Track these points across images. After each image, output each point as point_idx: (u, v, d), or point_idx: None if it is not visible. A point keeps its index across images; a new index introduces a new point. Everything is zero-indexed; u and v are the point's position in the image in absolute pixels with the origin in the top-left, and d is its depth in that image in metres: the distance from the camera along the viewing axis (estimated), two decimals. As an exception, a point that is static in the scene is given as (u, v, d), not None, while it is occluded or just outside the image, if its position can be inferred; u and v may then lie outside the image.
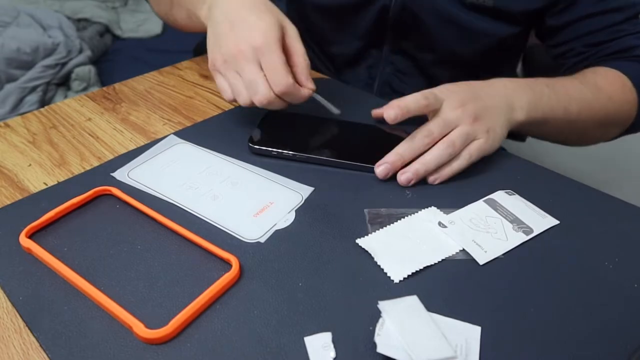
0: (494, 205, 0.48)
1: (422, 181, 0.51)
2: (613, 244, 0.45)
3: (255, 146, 0.53)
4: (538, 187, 0.51)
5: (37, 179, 0.51)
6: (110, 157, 0.54)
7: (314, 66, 0.82)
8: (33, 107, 1.55)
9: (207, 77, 0.71)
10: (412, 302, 0.37)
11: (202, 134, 0.57)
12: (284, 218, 0.46)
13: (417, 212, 0.47)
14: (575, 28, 0.68)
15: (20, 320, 0.37)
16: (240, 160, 0.53)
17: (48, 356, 0.35)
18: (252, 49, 0.49)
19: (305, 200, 0.48)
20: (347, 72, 0.82)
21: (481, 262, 0.42)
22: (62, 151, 0.55)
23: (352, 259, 0.42)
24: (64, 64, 1.67)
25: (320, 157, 0.53)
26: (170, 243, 0.43)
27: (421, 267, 0.41)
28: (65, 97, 1.67)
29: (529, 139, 0.82)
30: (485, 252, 0.43)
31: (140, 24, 2.07)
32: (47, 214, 0.45)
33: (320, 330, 0.36)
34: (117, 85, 0.68)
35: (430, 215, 0.47)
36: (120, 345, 0.35)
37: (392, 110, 0.49)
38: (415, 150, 0.50)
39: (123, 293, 0.39)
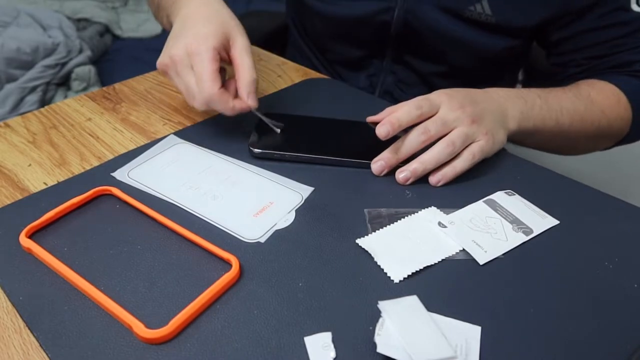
0: (493, 205, 0.48)
1: (422, 181, 0.51)
2: (613, 244, 0.45)
3: (256, 150, 0.53)
4: (538, 187, 0.51)
5: (37, 179, 0.51)
6: (110, 157, 0.54)
7: (314, 68, 0.82)
8: (33, 107, 1.55)
9: (207, 77, 0.71)
10: (412, 302, 0.37)
11: (202, 134, 0.57)
12: (284, 218, 0.46)
13: (417, 212, 0.47)
14: (577, 40, 0.68)
15: (20, 320, 0.37)
16: (240, 160, 0.53)
17: (48, 356, 0.35)
18: (187, 55, 0.50)
19: (305, 200, 0.48)
20: (348, 78, 0.82)
21: (481, 262, 0.42)
22: (62, 151, 0.55)
23: (352, 259, 0.42)
24: (64, 64, 1.67)
25: (323, 156, 0.53)
26: (170, 243, 0.43)
27: (421, 267, 0.41)
28: (65, 97, 1.67)
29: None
30: (485, 252, 0.43)
31: (140, 24, 2.07)
32: (47, 214, 0.45)
33: (320, 330, 0.36)
34: (117, 85, 0.68)
35: (430, 215, 0.47)
36: (120, 345, 0.35)
37: (383, 128, 0.49)
38: (411, 147, 0.50)
39: (123, 293, 0.39)
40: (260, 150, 0.53)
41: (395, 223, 0.45)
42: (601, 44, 0.67)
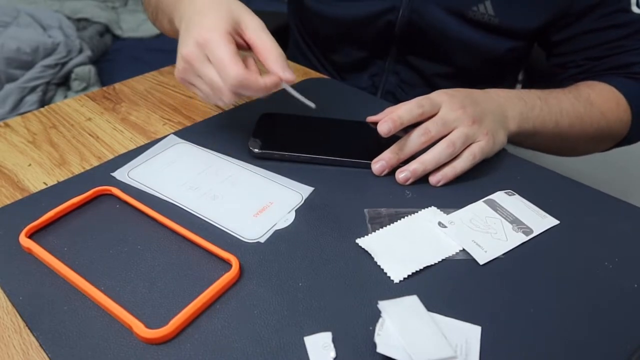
0: (493, 205, 0.48)
1: (422, 181, 0.51)
2: (613, 244, 0.45)
3: (256, 150, 0.53)
4: (538, 187, 0.51)
5: (37, 179, 0.51)
6: (110, 157, 0.54)
7: (314, 68, 0.82)
8: (33, 107, 1.55)
9: (207, 77, 0.71)
10: (412, 302, 0.37)
11: (202, 134, 0.57)
12: (284, 218, 0.46)
13: (417, 212, 0.47)
14: (577, 42, 0.68)
15: (20, 320, 0.37)
16: (240, 160, 0.53)
17: (48, 356, 0.35)
18: (199, 48, 0.46)
19: (305, 200, 0.48)
20: (350, 78, 0.82)
21: (481, 262, 0.42)
22: (62, 151, 0.55)
23: (352, 259, 0.42)
24: (64, 64, 1.67)
25: (322, 156, 0.53)
26: (171, 243, 0.43)
27: (421, 267, 0.41)
28: (65, 97, 1.67)
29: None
30: (486, 252, 0.43)
31: (140, 24, 2.07)
32: (47, 214, 0.45)
33: (320, 330, 0.36)
34: (117, 85, 0.68)
35: (430, 215, 0.47)
36: (120, 345, 0.35)
37: (385, 124, 0.49)
38: (412, 148, 0.50)
39: (123, 293, 0.39)
40: (260, 150, 0.53)
41: (395, 223, 0.45)
42: (601, 45, 0.67)
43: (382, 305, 0.37)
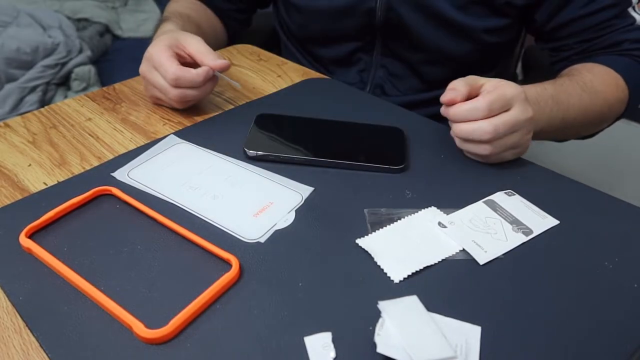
0: (493, 206, 0.48)
1: (422, 181, 0.51)
2: (613, 244, 0.45)
3: (251, 151, 0.53)
4: (538, 187, 0.51)
5: (37, 179, 0.51)
6: (110, 157, 0.54)
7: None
8: (33, 107, 1.54)
9: (207, 77, 0.71)
10: (412, 302, 0.37)
11: (202, 134, 0.57)
12: (284, 218, 0.46)
13: (417, 212, 0.47)
14: (570, 27, 0.70)
15: (20, 320, 0.37)
16: (240, 160, 0.53)
17: (48, 356, 0.35)
18: (147, 61, 0.60)
19: (305, 200, 0.48)
20: (338, 75, 0.82)
21: (481, 262, 0.42)
22: (62, 151, 0.55)
23: (352, 259, 0.42)
24: (64, 64, 1.67)
25: (318, 158, 0.52)
26: (170, 243, 0.43)
27: (421, 267, 0.41)
28: (65, 97, 1.67)
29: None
30: (486, 252, 0.43)
31: (140, 24, 2.07)
32: (47, 214, 0.45)
33: (320, 330, 0.36)
34: (117, 85, 0.68)
35: (430, 215, 0.47)
36: (120, 345, 0.35)
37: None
38: (471, 113, 0.50)
39: (123, 293, 0.38)
40: (255, 152, 0.53)
41: (395, 223, 0.45)
42: (592, 27, 0.69)
43: (382, 305, 0.37)
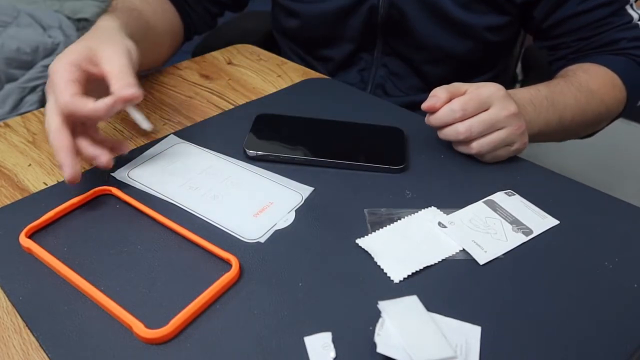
0: (493, 206, 0.48)
1: (422, 181, 0.51)
2: (613, 244, 0.45)
3: (251, 151, 0.53)
4: (538, 187, 0.51)
5: (37, 179, 0.51)
6: (110, 157, 0.54)
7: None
8: (33, 107, 1.54)
9: (207, 77, 0.71)
10: (412, 302, 0.37)
11: (202, 134, 0.57)
12: (284, 218, 0.46)
13: (417, 212, 0.47)
14: (567, 25, 0.70)
15: (20, 320, 0.37)
16: (240, 160, 0.53)
17: (48, 356, 0.35)
18: (49, 78, 0.48)
19: (305, 200, 0.48)
20: (339, 75, 0.82)
21: (481, 262, 0.42)
22: (62, 151, 0.55)
23: (352, 259, 0.42)
24: (64, 64, 1.67)
25: (318, 158, 0.52)
26: (170, 243, 0.43)
27: (421, 267, 0.41)
28: (65, 97, 1.67)
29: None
30: (486, 252, 0.43)
31: (140, 24, 2.07)
32: (47, 214, 0.45)
33: (320, 330, 0.36)
34: (117, 85, 0.68)
35: (430, 215, 0.47)
36: (120, 345, 0.35)
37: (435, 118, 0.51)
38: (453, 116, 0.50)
39: (123, 293, 0.38)
40: (255, 152, 0.53)
41: (395, 223, 0.45)
42: (588, 25, 0.68)
43: (382, 305, 0.37)
